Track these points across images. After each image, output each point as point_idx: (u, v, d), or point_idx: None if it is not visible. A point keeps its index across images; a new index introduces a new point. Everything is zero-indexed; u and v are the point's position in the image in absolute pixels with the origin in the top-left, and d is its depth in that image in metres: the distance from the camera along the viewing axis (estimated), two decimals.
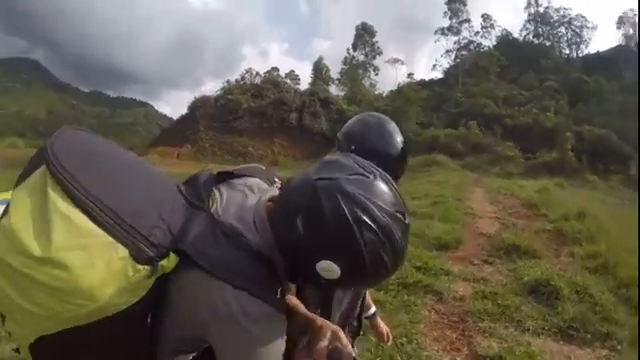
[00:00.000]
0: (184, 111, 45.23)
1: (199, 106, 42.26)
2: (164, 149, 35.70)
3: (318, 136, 36.40)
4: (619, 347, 3.77)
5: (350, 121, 1.53)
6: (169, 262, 0.85)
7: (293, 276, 1.03)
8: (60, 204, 0.79)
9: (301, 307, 1.15)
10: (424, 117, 38.00)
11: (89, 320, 0.82)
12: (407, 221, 0.91)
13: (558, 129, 29.03)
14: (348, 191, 0.84)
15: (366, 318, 1.92)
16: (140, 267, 0.81)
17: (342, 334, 1.03)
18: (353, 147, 1.36)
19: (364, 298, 1.77)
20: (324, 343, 1.00)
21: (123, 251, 0.79)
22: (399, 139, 1.45)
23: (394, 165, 1.34)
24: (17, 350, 0.93)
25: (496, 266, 5.72)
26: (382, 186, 0.88)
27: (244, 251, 0.89)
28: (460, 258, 6.00)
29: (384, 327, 1.97)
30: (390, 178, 0.92)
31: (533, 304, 4.49)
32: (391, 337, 1.97)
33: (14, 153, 27.97)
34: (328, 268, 0.88)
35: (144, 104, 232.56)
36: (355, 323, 1.72)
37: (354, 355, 1.01)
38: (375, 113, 1.57)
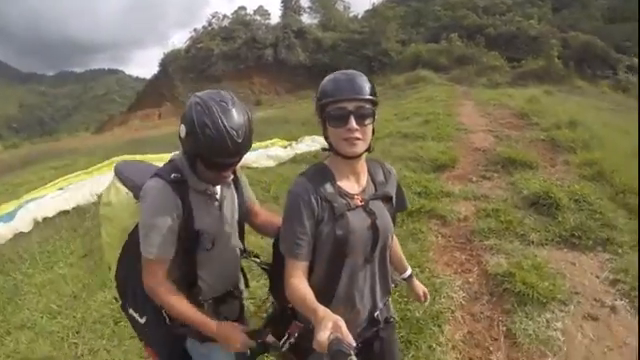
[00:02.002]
0: (156, 70, 43.28)
1: (170, 61, 40.30)
2: (144, 112, 34.42)
3: (298, 69, 35.17)
4: (620, 251, 3.91)
5: None
6: None
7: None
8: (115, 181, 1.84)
9: (306, 300, 1.28)
10: (404, 34, 36.53)
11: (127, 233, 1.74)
12: (233, 134, 1.51)
13: (543, 36, 28.37)
14: (200, 95, 1.61)
15: (404, 280, 1.99)
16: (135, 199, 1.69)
17: (343, 324, 1.07)
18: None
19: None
20: (325, 334, 1.05)
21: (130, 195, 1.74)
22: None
23: None
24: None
25: (494, 181, 5.78)
26: (226, 109, 1.53)
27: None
28: (458, 177, 6.03)
29: (421, 287, 2.02)
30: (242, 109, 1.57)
31: (535, 216, 4.60)
32: (428, 297, 2.01)
33: None
34: (181, 129, 1.59)
35: (114, 71, 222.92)
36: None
37: (354, 346, 1.04)
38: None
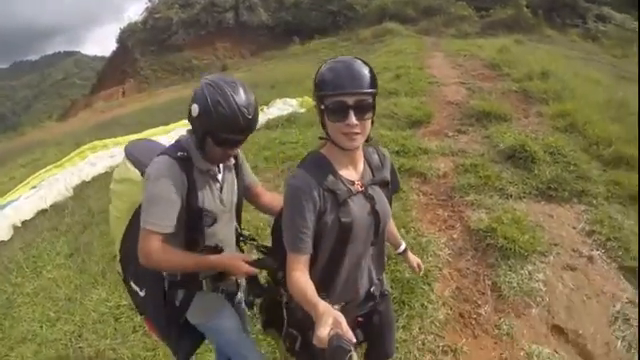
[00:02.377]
0: (114, 46, 40.64)
1: (128, 36, 37.60)
2: (107, 92, 32.26)
3: (261, 30, 33.53)
4: (595, 202, 4.05)
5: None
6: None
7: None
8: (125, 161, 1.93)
9: (307, 294, 1.30)
10: None
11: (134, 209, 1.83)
12: (245, 112, 1.64)
13: None
14: (210, 77, 1.71)
15: (399, 254, 2.06)
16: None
17: (343, 320, 1.09)
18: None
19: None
20: (325, 330, 1.06)
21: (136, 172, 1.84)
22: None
23: None
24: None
25: (470, 135, 5.81)
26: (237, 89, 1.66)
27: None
28: (434, 132, 6.04)
29: (415, 260, 2.09)
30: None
31: (512, 170, 4.68)
32: (422, 267, 2.11)
33: None
34: (193, 109, 1.66)
35: (71, 54, 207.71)
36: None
37: (354, 341, 1.05)
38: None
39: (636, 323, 2.89)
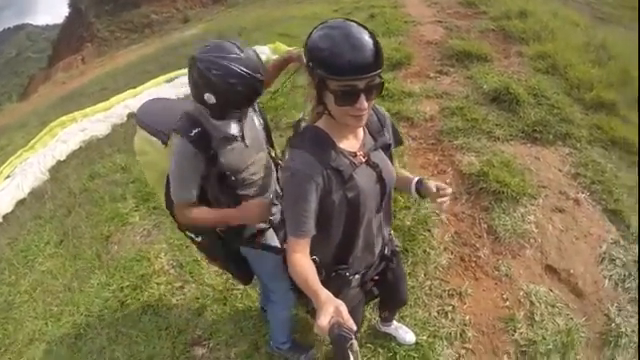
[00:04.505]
0: (66, 11, 37.04)
1: None
2: (65, 62, 29.46)
3: None
4: (578, 145, 4.17)
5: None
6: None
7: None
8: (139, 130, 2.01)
9: (309, 279, 1.28)
10: None
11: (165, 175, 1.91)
12: (258, 76, 1.65)
13: None
14: (203, 58, 1.63)
15: (418, 192, 1.69)
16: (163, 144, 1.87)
17: (344, 308, 1.09)
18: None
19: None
20: (326, 318, 1.07)
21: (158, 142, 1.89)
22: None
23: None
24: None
25: (452, 76, 5.74)
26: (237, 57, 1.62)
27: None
28: (416, 74, 5.94)
29: (433, 184, 1.70)
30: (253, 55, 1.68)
31: (497, 112, 4.71)
32: (445, 186, 1.63)
33: None
34: (208, 98, 1.65)
35: (21, 27, 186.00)
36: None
37: (355, 329, 1.07)
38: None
39: (621, 262, 3.09)
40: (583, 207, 3.53)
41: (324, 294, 1.18)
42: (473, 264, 3.08)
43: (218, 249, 2.08)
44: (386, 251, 1.79)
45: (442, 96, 5.18)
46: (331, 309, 1.09)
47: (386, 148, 1.59)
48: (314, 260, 1.48)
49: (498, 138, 4.31)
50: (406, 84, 5.54)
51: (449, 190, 1.59)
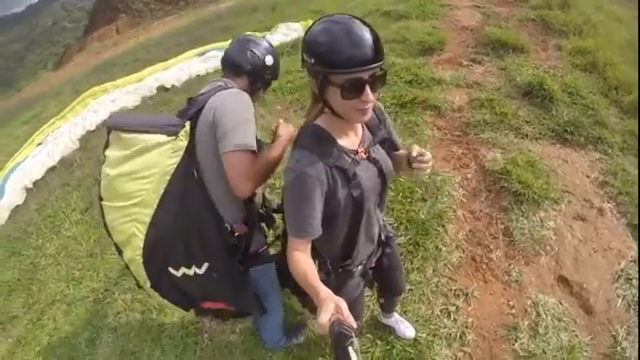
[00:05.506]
0: None
1: None
2: (100, 32, 29.00)
3: None
4: (610, 151, 3.97)
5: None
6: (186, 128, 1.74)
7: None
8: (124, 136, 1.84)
9: (308, 277, 1.28)
10: None
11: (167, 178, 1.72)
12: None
13: None
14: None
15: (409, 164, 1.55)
16: (169, 138, 1.73)
17: (344, 306, 1.10)
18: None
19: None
20: (327, 316, 1.07)
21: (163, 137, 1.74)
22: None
23: None
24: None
25: (485, 65, 5.51)
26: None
27: None
28: (448, 61, 5.72)
29: (415, 149, 1.53)
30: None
31: (529, 108, 4.51)
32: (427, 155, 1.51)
33: None
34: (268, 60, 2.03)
35: None
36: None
37: (356, 327, 1.06)
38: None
39: (637, 283, 2.97)
40: (606, 218, 3.39)
41: (324, 291, 1.19)
42: (484, 266, 3.01)
43: (229, 264, 1.86)
44: (382, 237, 1.82)
45: (473, 86, 4.98)
46: (331, 306, 1.10)
47: (384, 141, 1.61)
48: (322, 260, 1.55)
49: (527, 135, 4.14)
50: (437, 70, 5.34)
51: (428, 156, 1.50)
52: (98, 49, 22.71)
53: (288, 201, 1.41)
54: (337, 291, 1.61)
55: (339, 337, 1.02)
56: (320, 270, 1.54)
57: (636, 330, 2.70)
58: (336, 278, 1.64)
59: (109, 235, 1.91)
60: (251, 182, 1.71)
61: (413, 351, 2.56)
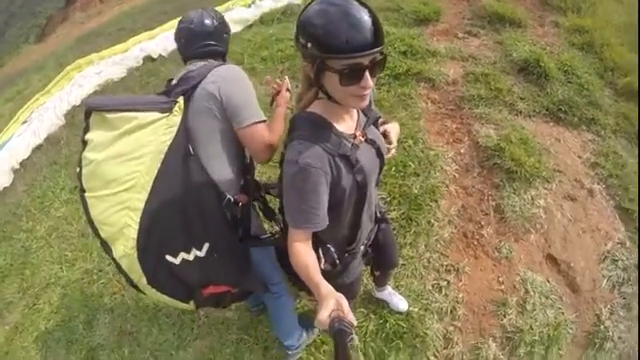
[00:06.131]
0: None
1: None
2: (83, 1, 27.43)
3: None
4: (602, 132, 3.97)
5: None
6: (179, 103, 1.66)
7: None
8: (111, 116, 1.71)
9: (309, 270, 1.27)
10: None
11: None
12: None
13: None
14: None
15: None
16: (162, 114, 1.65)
17: (344, 302, 1.09)
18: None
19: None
20: (327, 312, 1.06)
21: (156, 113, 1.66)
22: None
23: None
24: None
25: (481, 38, 5.40)
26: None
27: None
28: (443, 32, 5.58)
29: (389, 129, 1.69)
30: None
31: (524, 84, 4.45)
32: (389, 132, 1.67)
33: None
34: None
35: None
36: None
37: (355, 324, 1.06)
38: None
39: (623, 265, 3.02)
40: (596, 200, 3.41)
41: (325, 287, 1.18)
42: (475, 242, 3.01)
43: (232, 242, 1.80)
44: (377, 214, 1.83)
45: (468, 59, 4.88)
46: (332, 303, 1.09)
47: (376, 120, 1.60)
48: (325, 249, 1.53)
49: (520, 112, 4.10)
50: (432, 42, 5.20)
51: (393, 144, 1.64)
52: (82, 19, 21.71)
53: (291, 193, 1.36)
54: (341, 274, 1.64)
55: (339, 334, 1.02)
56: (325, 261, 1.53)
57: (620, 312, 2.75)
58: (340, 264, 1.62)
59: (94, 232, 1.78)
60: (272, 149, 1.73)
61: (405, 325, 2.58)
